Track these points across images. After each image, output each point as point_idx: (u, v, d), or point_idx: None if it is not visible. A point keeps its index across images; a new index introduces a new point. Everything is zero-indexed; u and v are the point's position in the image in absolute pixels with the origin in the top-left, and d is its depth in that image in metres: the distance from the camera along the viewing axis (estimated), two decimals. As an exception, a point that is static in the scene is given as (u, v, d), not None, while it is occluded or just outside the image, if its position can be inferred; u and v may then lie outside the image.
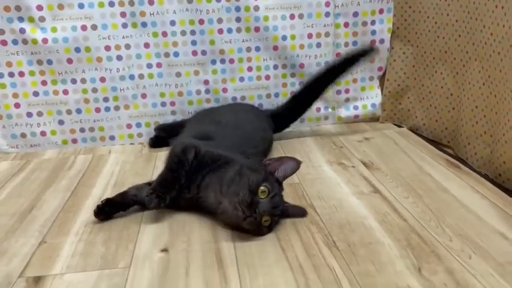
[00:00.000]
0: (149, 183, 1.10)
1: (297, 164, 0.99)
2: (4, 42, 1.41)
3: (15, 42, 1.41)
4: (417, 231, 0.93)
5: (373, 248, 0.88)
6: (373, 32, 1.56)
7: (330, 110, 1.64)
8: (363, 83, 1.63)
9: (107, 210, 1.03)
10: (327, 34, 1.55)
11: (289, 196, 1.10)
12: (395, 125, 1.64)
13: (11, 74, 1.44)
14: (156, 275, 0.83)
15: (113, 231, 0.98)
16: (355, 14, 1.54)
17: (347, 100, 1.64)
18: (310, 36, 1.54)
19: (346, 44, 1.57)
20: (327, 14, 1.53)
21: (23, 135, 1.50)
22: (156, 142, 1.48)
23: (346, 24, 1.55)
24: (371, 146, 1.43)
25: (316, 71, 1.49)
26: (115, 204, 1.05)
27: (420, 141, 1.45)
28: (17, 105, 1.47)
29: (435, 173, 1.21)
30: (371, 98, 1.65)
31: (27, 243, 0.95)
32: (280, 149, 1.44)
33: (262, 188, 0.90)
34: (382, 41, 1.58)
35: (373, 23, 1.55)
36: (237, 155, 1.07)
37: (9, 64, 1.43)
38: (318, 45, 1.56)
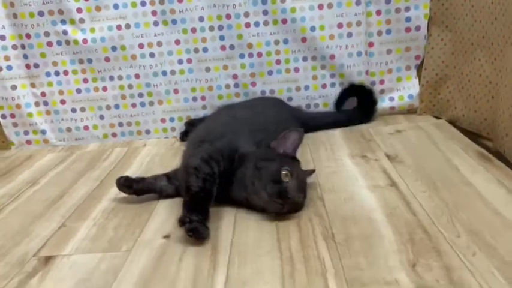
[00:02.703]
0: (166, 174, 1.14)
1: (299, 132, 1.04)
2: (50, 44, 1.53)
3: (59, 43, 1.53)
4: (424, 226, 0.88)
5: (372, 242, 0.85)
6: (408, 19, 1.49)
7: (363, 102, 1.59)
8: (399, 72, 1.56)
9: (121, 182, 1.09)
10: (358, 23, 1.50)
11: (300, 188, 1.09)
12: (434, 116, 1.55)
13: (57, 73, 1.57)
14: (152, 259, 0.86)
15: (125, 218, 1.04)
16: (388, 1, 1.47)
17: (382, 91, 1.58)
18: (340, 26, 1.50)
19: (379, 33, 1.51)
20: (358, 2, 1.48)
21: (69, 130, 1.62)
22: (186, 136, 1.53)
23: (378, 12, 1.49)
24: (401, 139, 1.37)
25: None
26: (131, 182, 1.10)
27: (456, 134, 1.36)
28: (63, 102, 1.59)
29: (463, 166, 1.13)
30: (408, 89, 1.57)
31: (49, 226, 1.03)
32: (305, 140, 1.41)
33: (284, 172, 0.93)
34: (418, 28, 1.49)
35: (407, 9, 1.48)
36: (249, 147, 1.08)
37: (54, 64, 1.56)
38: (349, 35, 1.51)
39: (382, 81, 1.57)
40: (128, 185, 1.10)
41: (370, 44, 1.52)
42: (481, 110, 1.34)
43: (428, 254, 0.79)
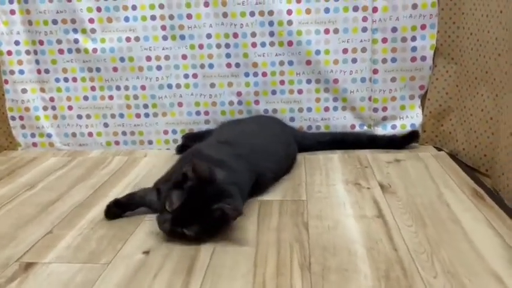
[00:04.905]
0: (157, 189, 1.16)
1: None
2: (61, 51, 1.58)
3: (70, 51, 1.58)
4: (403, 263, 0.87)
5: (347, 275, 0.84)
6: (414, 49, 1.48)
7: (365, 127, 1.59)
8: (402, 101, 1.55)
9: (114, 211, 1.11)
10: (364, 49, 1.50)
11: (288, 212, 1.09)
12: (435, 147, 1.53)
13: (66, 79, 1.61)
14: (127, 274, 0.87)
15: (111, 230, 1.05)
16: (394, 30, 1.47)
17: (384, 118, 1.57)
18: (345, 51, 1.51)
19: (384, 60, 1.51)
20: (364, 29, 1.48)
21: (74, 135, 1.66)
22: (182, 149, 1.53)
23: (384, 40, 1.49)
24: (398, 169, 1.35)
25: (360, 132, 1.58)
26: (122, 205, 1.12)
27: (454, 168, 1.34)
28: (70, 108, 1.64)
29: (454, 203, 1.11)
30: (411, 118, 1.56)
31: (37, 232, 1.05)
32: (303, 163, 1.42)
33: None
34: (423, 58, 1.49)
35: (413, 39, 1.47)
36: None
37: (64, 70, 1.60)
38: (354, 60, 1.51)
39: (384, 108, 1.56)
40: (119, 206, 1.12)
41: (375, 71, 1.52)
42: (481, 145, 1.32)
43: (400, 293, 0.78)
